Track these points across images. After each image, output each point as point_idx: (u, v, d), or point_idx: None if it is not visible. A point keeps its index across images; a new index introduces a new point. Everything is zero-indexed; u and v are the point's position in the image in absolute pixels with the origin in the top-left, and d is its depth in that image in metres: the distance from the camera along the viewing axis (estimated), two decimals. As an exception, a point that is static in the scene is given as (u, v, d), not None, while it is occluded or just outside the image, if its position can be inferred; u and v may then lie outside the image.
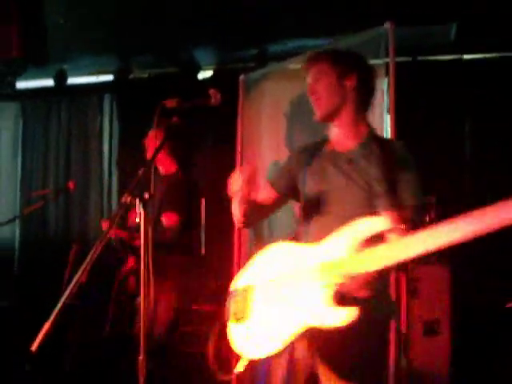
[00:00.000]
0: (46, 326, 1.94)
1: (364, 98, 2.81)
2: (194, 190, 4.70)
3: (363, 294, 2.22)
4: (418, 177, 2.60)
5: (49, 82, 6.80)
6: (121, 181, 6.83)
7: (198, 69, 6.30)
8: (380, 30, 4.41)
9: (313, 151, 2.91)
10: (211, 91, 2.63)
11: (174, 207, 4.35)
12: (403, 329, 4.45)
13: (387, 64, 4.41)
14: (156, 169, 4.58)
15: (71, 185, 5.03)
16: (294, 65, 5.25)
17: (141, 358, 2.28)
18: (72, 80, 6.79)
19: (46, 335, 1.93)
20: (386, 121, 4.50)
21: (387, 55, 4.39)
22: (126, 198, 2.19)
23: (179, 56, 6.18)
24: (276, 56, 5.67)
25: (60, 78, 6.65)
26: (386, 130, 4.49)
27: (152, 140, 4.32)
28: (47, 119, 7.19)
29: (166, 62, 6.45)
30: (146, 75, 6.74)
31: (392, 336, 4.25)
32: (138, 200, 2.20)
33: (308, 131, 4.97)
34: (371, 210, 2.51)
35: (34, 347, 1.94)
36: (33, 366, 4.62)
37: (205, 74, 6.36)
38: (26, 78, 6.43)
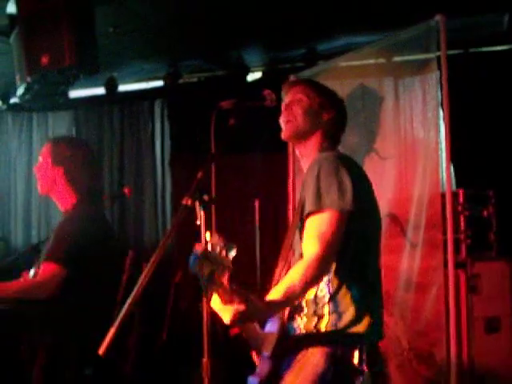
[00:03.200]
0: (112, 330, 1.96)
1: (334, 133, 2.78)
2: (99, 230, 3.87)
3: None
4: (314, 185, 2.45)
5: (100, 90, 6.87)
6: (174, 185, 6.87)
7: (247, 71, 6.30)
8: (430, 23, 4.37)
9: None
10: (266, 92, 2.64)
11: (53, 256, 3.65)
12: (463, 326, 4.40)
13: (439, 57, 4.36)
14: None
15: (126, 191, 5.05)
16: (344, 62, 5.22)
17: (205, 360, 2.28)
18: (122, 87, 6.85)
19: (112, 339, 1.94)
20: (440, 115, 4.45)
21: (438, 49, 4.34)
22: (187, 201, 2.20)
23: (228, 59, 6.19)
24: (325, 54, 5.65)
25: (110, 85, 6.71)
26: (440, 124, 4.44)
27: None
28: (100, 127, 7.28)
29: (215, 66, 6.47)
30: (196, 79, 6.77)
31: (452, 334, 4.21)
32: (197, 203, 2.21)
33: (359, 130, 4.95)
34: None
35: (101, 351, 1.96)
36: (93, 371, 4.66)
37: (254, 76, 6.36)
38: (78, 87, 6.51)
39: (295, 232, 2.59)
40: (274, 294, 2.31)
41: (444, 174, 4.35)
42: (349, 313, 2.46)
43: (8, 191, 7.56)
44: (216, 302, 2.23)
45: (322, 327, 2.46)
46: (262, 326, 2.62)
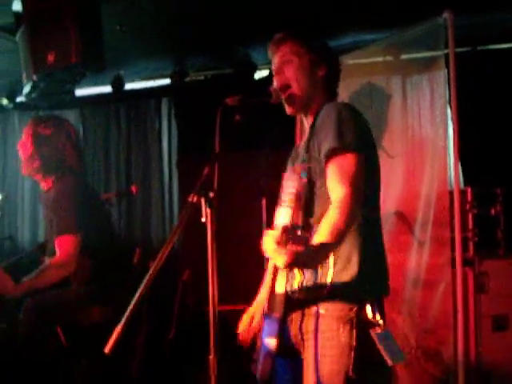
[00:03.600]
0: (118, 328, 1.96)
1: (332, 87, 2.73)
2: (88, 197, 4.08)
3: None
4: (335, 123, 2.40)
5: (106, 89, 6.86)
6: (181, 183, 6.86)
7: (255, 68, 6.28)
8: (438, 20, 4.35)
9: (292, 152, 2.84)
10: (272, 88, 2.63)
11: (62, 229, 3.83)
12: (471, 324, 4.39)
13: (447, 55, 4.35)
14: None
15: (134, 189, 5.06)
16: (351, 60, 5.20)
17: (211, 357, 2.28)
18: (129, 85, 6.83)
19: (119, 338, 1.94)
20: (448, 113, 4.43)
21: (446, 46, 4.33)
22: (193, 198, 2.20)
23: (235, 56, 6.17)
24: (332, 52, 5.61)
25: (117, 83, 6.70)
26: (448, 122, 4.43)
27: None
28: (106, 125, 7.27)
29: (222, 63, 6.45)
30: (203, 77, 6.75)
31: (460, 332, 4.20)
32: (203, 199, 2.21)
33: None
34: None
35: (107, 349, 1.95)
36: (102, 370, 4.66)
37: (261, 74, 6.33)
38: (84, 85, 6.49)
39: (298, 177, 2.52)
40: (320, 238, 2.23)
41: (452, 172, 4.34)
42: (356, 264, 2.41)
43: (15, 190, 7.56)
44: (269, 243, 2.16)
45: (328, 280, 2.41)
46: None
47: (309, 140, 2.57)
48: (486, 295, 4.51)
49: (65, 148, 4.05)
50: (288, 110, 2.67)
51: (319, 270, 2.43)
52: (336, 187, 2.34)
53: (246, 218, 5.69)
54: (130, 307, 1.99)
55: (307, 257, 2.15)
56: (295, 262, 2.11)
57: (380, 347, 2.32)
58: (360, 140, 2.38)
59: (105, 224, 4.18)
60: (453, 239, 4.27)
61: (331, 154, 2.38)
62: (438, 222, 4.34)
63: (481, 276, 4.51)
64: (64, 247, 3.78)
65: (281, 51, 2.67)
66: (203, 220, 2.22)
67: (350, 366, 2.33)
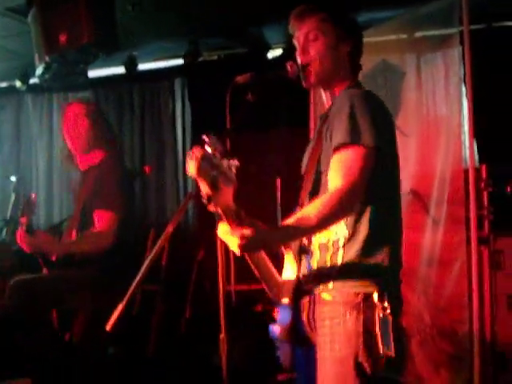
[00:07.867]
0: (120, 306, 1.97)
1: (356, 61, 2.63)
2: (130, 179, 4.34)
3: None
4: (347, 117, 2.31)
5: (119, 70, 6.85)
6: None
7: (268, 48, 6.24)
8: (453, -3, 4.32)
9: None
10: (288, 63, 2.55)
11: (104, 204, 3.98)
12: (486, 303, 4.38)
13: (461, 32, 4.32)
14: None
15: (147, 169, 5.08)
16: (365, 38, 5.16)
17: (222, 335, 2.29)
18: (142, 66, 6.82)
19: (120, 315, 1.95)
20: (462, 90, 4.41)
21: (461, 23, 4.30)
22: None
23: (248, 36, 6.14)
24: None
25: (130, 64, 6.69)
26: (463, 100, 4.40)
27: None
28: (120, 106, 7.26)
29: (235, 43, 6.42)
30: (216, 57, 6.73)
31: (475, 310, 4.19)
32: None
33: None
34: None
35: (108, 327, 1.97)
36: (116, 350, 4.69)
37: (274, 53, 6.30)
38: (97, 67, 6.48)
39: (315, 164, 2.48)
40: (288, 220, 2.18)
41: (467, 149, 4.32)
42: (366, 247, 2.34)
43: (30, 172, 7.58)
44: (223, 230, 2.15)
45: (337, 263, 2.37)
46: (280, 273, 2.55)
47: (323, 123, 2.51)
48: (501, 273, 4.49)
49: (106, 123, 4.32)
50: (305, 84, 2.56)
51: (327, 255, 2.39)
52: (335, 178, 2.28)
53: (260, 199, 5.70)
54: (133, 285, 2.00)
55: (260, 240, 2.11)
56: (247, 247, 2.07)
57: (378, 332, 2.29)
58: (374, 134, 2.30)
59: (132, 207, 4.28)
60: (468, 217, 4.26)
61: (339, 147, 2.32)
62: (452, 200, 4.33)
63: (496, 254, 4.49)
64: (104, 220, 3.94)
65: (305, 27, 2.54)
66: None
67: (359, 352, 2.28)
